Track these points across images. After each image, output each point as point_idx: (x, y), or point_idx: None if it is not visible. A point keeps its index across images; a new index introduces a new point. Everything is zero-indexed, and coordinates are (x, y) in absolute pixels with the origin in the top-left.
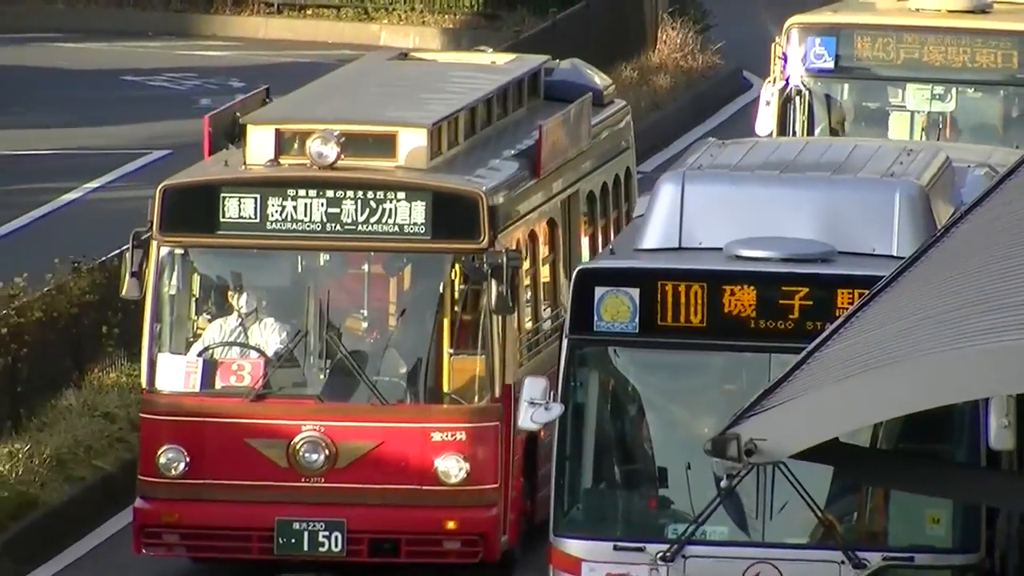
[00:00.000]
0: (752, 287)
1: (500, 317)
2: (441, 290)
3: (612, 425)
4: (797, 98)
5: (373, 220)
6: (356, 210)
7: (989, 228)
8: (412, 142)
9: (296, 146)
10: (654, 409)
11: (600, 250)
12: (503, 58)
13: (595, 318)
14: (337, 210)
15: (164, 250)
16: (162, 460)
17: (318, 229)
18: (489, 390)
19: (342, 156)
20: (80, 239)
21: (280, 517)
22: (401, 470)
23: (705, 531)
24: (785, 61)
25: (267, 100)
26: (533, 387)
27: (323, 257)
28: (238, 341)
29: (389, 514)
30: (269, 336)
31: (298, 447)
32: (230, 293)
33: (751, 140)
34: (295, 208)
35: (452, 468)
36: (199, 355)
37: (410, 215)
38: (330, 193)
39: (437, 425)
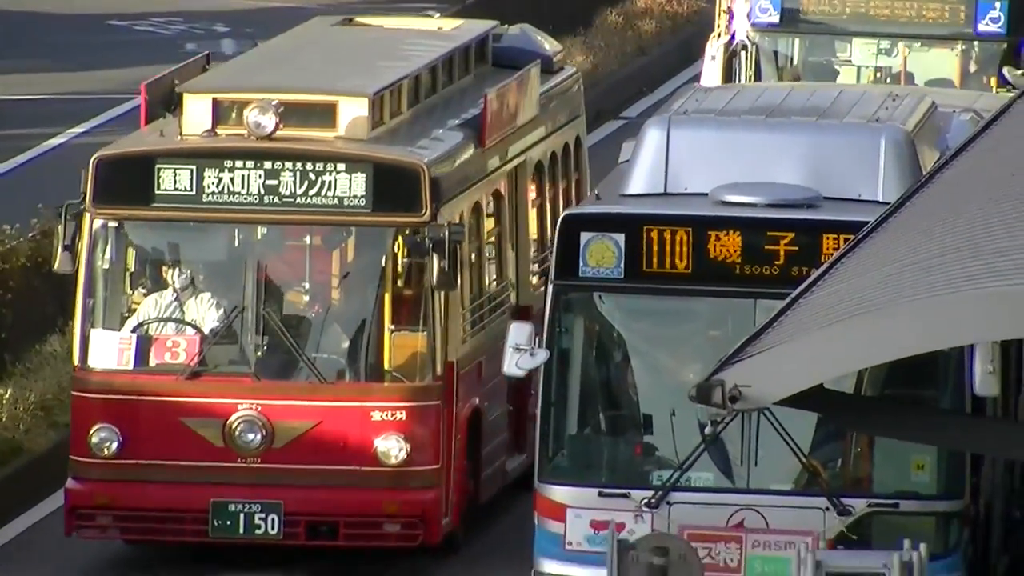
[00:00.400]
0: (738, 232)
1: (443, 293)
2: (382, 264)
3: (597, 371)
4: (743, 53)
5: (312, 192)
6: (295, 182)
7: (974, 174)
8: (353, 111)
9: (234, 116)
10: (639, 355)
11: (548, 221)
12: (450, 24)
13: (580, 263)
14: (275, 182)
15: (97, 223)
16: (94, 440)
17: (256, 201)
18: (431, 368)
19: (281, 126)
20: (66, 185)
21: (215, 499)
22: (340, 450)
23: (690, 478)
24: (731, 16)
25: (207, 67)
26: (518, 333)
27: (261, 230)
28: (173, 317)
29: (327, 496)
30: (205, 312)
31: (234, 426)
32: (165, 267)
33: (736, 86)
34: (232, 180)
35: (392, 448)
36: (133, 331)
37: (350, 187)
38: (268, 164)
39: (377, 404)
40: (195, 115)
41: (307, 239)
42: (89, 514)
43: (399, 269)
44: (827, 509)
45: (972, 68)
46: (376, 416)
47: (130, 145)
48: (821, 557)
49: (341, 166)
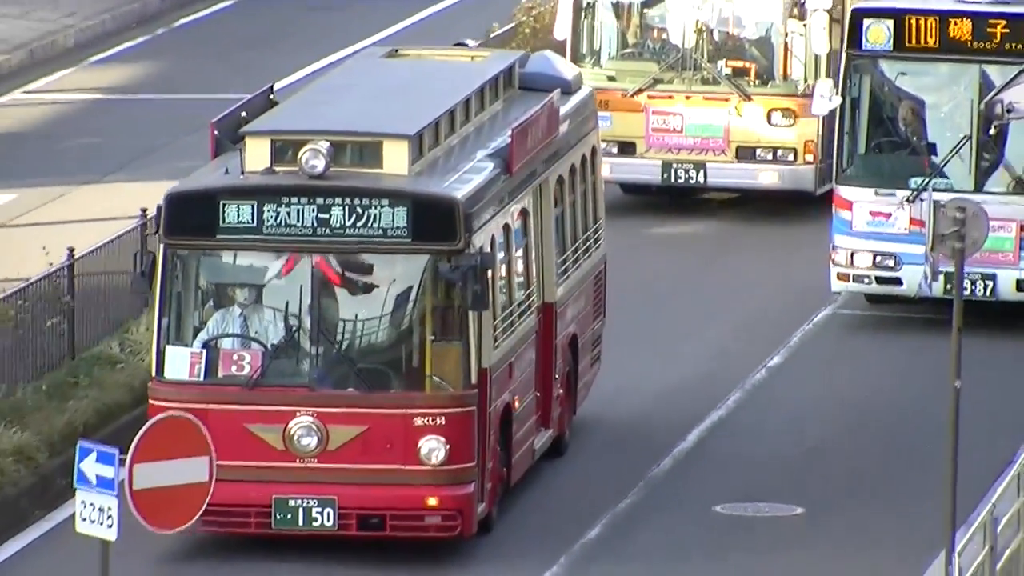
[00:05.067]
0: (968, 20)
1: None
2: (421, 288)
3: (874, 111)
4: (587, 8)
5: (359, 224)
6: (344, 215)
7: None
8: (395, 151)
9: (290, 155)
10: (903, 100)
11: (569, 225)
12: (482, 54)
13: (863, 41)
14: (327, 215)
15: (169, 252)
16: None
17: (310, 233)
18: (467, 376)
19: (331, 165)
20: None
21: (277, 495)
22: (386, 452)
23: (936, 183)
24: None
25: (272, 97)
26: (823, 86)
27: (315, 258)
28: (238, 334)
29: (376, 492)
30: (265, 331)
31: (293, 431)
32: (230, 290)
33: None
34: (288, 214)
35: (433, 450)
36: (202, 347)
37: (393, 220)
38: (320, 200)
39: (419, 410)
40: (256, 154)
41: (355, 266)
42: None
43: (436, 292)
44: None
45: None
46: (418, 421)
47: (197, 182)
48: None
49: (385, 201)
